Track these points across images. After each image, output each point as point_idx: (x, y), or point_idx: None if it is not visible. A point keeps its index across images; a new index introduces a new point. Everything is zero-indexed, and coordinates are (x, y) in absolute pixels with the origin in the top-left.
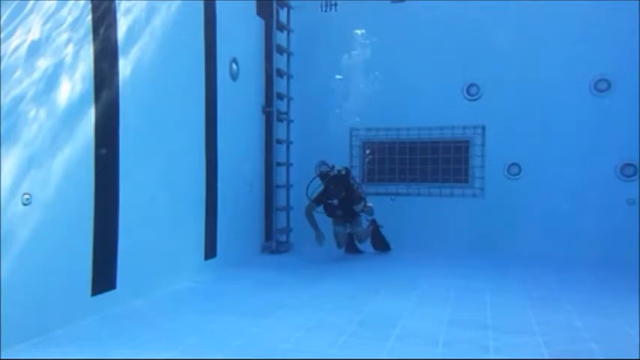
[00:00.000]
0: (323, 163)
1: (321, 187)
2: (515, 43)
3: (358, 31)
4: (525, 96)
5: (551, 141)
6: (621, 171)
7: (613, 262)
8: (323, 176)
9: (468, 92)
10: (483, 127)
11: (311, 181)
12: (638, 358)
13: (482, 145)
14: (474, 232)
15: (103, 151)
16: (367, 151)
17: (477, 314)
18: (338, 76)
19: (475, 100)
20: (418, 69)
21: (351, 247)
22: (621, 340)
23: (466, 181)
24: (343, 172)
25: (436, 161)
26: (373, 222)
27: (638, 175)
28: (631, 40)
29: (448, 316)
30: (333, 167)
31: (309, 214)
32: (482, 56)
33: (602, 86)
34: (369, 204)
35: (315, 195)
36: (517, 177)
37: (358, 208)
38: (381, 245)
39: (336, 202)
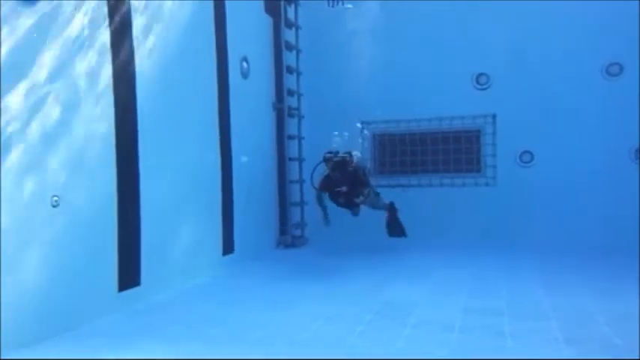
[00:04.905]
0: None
1: (324, 173)
2: (523, 29)
3: (366, 25)
4: (536, 82)
5: (563, 127)
6: (635, 155)
7: (628, 248)
8: (327, 161)
9: (477, 82)
10: (494, 116)
11: (315, 168)
12: (638, 358)
13: (494, 133)
14: (486, 221)
15: (125, 151)
16: (377, 144)
17: (492, 301)
18: (349, 5)
19: (485, 89)
20: (427, 60)
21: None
22: (635, 324)
23: (478, 170)
24: (347, 158)
25: (447, 151)
26: (391, 206)
27: None
28: None
29: (463, 303)
30: (337, 152)
31: (319, 200)
32: (491, 45)
33: (614, 70)
34: (375, 193)
35: (318, 182)
36: (529, 165)
37: (359, 200)
38: (397, 231)
39: (344, 189)
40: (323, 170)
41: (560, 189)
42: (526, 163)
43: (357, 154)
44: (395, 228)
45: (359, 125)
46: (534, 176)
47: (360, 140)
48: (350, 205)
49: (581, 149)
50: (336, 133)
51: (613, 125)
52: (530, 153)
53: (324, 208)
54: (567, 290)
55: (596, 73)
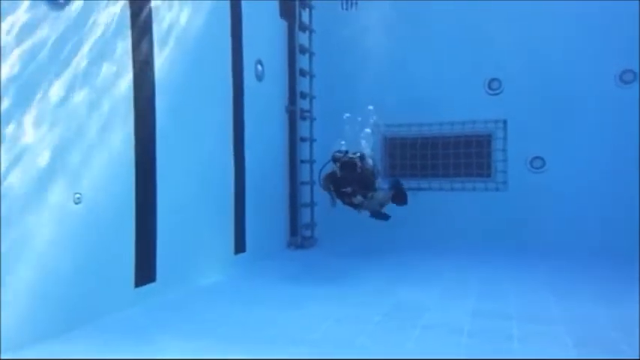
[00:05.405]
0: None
1: (331, 169)
2: (536, 36)
3: (379, 29)
4: (548, 89)
5: (575, 133)
6: None
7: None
8: (336, 161)
9: (489, 87)
10: (505, 121)
11: (323, 167)
12: (638, 358)
13: (505, 138)
14: (496, 226)
15: (143, 152)
16: (389, 147)
17: (501, 305)
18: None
19: (497, 94)
20: (439, 64)
21: (376, 212)
22: None
23: (488, 175)
24: (357, 160)
25: (458, 156)
26: (397, 183)
27: None
28: None
29: (472, 307)
30: (346, 152)
31: (327, 190)
32: (503, 50)
33: (627, 77)
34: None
35: (323, 177)
36: (540, 170)
37: (357, 200)
38: (401, 200)
39: (349, 190)
40: (331, 168)
41: (571, 195)
42: (537, 168)
43: (368, 158)
44: (400, 198)
45: (370, 108)
46: (545, 182)
47: (371, 121)
48: (352, 204)
49: (592, 156)
50: (348, 115)
51: (625, 132)
52: (542, 159)
53: (330, 193)
54: (577, 295)
55: (610, 80)
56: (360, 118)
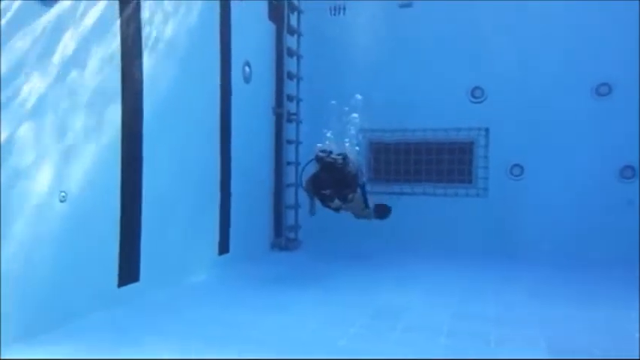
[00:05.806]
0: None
1: (314, 171)
2: (518, 46)
3: (365, 35)
4: (528, 99)
5: (552, 143)
6: (620, 173)
7: (613, 261)
8: (319, 160)
9: (472, 95)
10: (487, 129)
11: (305, 165)
12: (638, 358)
13: (486, 146)
14: (477, 231)
15: (129, 151)
16: (373, 151)
17: (481, 308)
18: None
19: (479, 102)
20: (424, 72)
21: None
22: (618, 332)
23: (470, 181)
24: (339, 161)
25: (441, 162)
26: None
27: (637, 177)
28: (632, 44)
29: (453, 309)
30: (330, 152)
31: (308, 193)
32: (486, 60)
33: (603, 90)
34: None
35: (306, 180)
36: (519, 178)
37: (334, 205)
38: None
39: (327, 192)
40: (314, 168)
41: (548, 201)
42: (516, 176)
43: (352, 158)
44: (383, 212)
45: (359, 97)
46: (524, 189)
47: (356, 115)
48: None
49: (569, 164)
50: (334, 102)
51: (600, 142)
52: (521, 166)
53: (311, 198)
54: (555, 299)
55: (587, 93)
56: (347, 108)
